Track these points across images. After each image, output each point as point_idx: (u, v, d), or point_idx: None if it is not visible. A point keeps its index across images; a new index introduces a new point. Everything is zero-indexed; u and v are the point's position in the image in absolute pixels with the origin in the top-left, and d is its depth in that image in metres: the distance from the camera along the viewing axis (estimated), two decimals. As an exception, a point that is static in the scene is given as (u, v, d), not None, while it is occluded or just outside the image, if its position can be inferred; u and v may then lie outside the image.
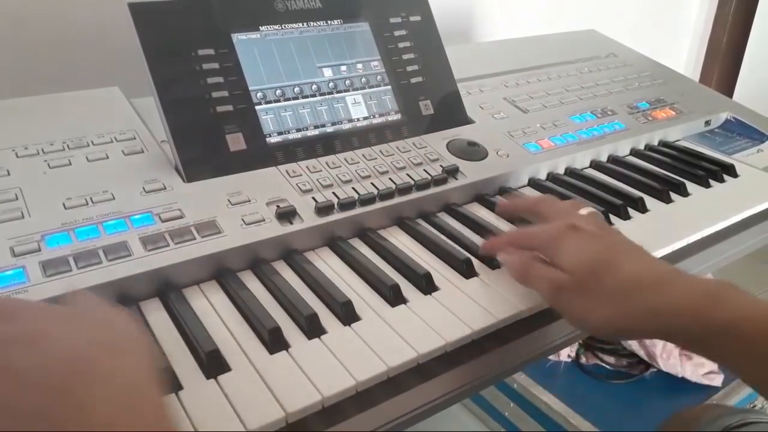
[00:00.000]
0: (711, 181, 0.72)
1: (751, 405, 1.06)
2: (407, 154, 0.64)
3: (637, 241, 0.58)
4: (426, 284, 0.50)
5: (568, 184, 0.69)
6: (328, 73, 0.65)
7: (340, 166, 0.61)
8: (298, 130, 0.62)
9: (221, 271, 0.50)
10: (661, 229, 0.62)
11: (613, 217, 0.63)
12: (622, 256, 0.45)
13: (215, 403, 0.38)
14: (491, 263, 0.54)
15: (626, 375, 1.08)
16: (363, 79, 0.67)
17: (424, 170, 0.63)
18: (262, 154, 0.59)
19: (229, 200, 0.54)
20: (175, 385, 0.39)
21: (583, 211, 0.51)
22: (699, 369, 1.05)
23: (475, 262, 0.54)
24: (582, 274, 0.44)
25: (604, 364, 1.10)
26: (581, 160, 0.74)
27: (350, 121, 0.65)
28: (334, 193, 0.58)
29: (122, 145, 0.58)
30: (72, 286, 0.42)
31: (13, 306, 0.30)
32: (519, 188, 0.68)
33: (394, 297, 0.49)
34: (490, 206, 0.64)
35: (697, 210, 0.67)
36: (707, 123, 0.88)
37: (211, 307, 0.47)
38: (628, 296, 0.43)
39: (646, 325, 0.43)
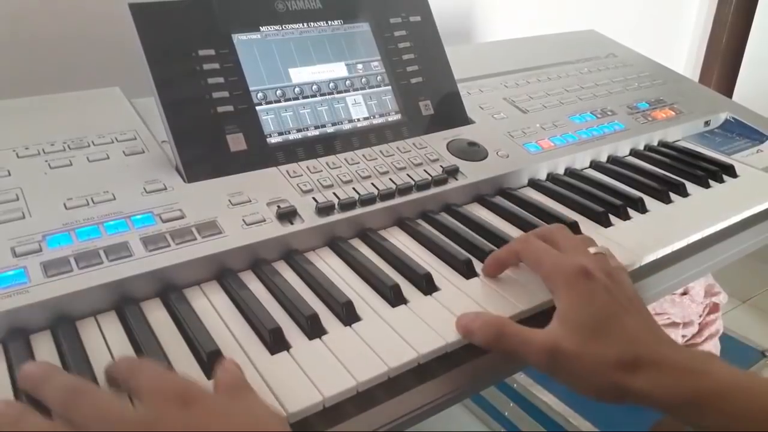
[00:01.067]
0: (710, 182, 0.72)
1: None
2: (407, 155, 0.64)
3: (637, 242, 0.59)
4: (426, 284, 0.50)
5: (567, 185, 0.69)
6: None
7: (340, 167, 0.61)
8: (299, 131, 0.62)
9: (222, 272, 0.50)
10: (660, 230, 0.62)
11: (613, 218, 0.63)
12: (623, 320, 0.43)
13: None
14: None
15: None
16: (363, 80, 0.67)
17: (425, 170, 0.63)
18: (262, 155, 0.59)
19: (229, 200, 0.54)
20: (176, 386, 0.39)
21: (593, 249, 0.49)
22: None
23: (475, 262, 0.54)
24: (580, 337, 0.42)
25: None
26: (581, 161, 0.74)
27: (350, 121, 0.65)
28: (334, 193, 0.58)
29: (123, 145, 0.58)
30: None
31: (194, 393, 0.35)
32: (519, 188, 0.68)
33: (394, 297, 0.49)
34: (490, 206, 0.64)
35: (697, 210, 0.67)
36: (707, 123, 0.88)
37: (212, 307, 0.47)
38: (627, 369, 0.41)
39: (645, 398, 0.41)
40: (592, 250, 0.49)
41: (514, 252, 0.50)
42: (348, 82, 0.66)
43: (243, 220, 0.52)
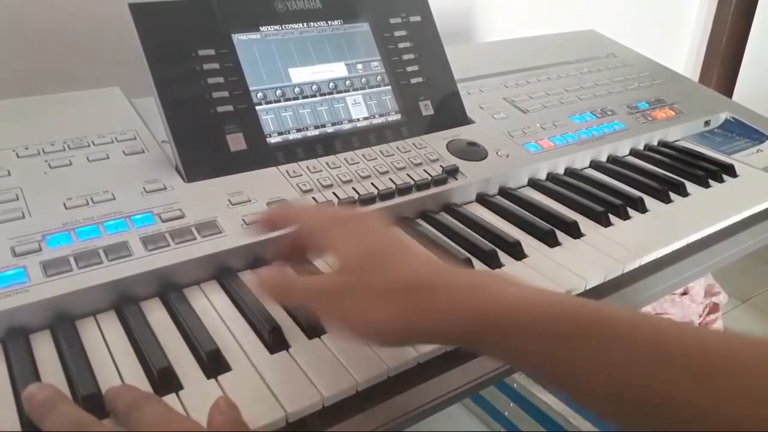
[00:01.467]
0: (710, 181, 0.72)
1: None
2: (407, 155, 0.64)
3: (637, 242, 0.59)
4: (426, 284, 0.50)
5: (567, 184, 0.69)
6: (328, 73, 0.65)
7: (340, 167, 0.61)
8: (299, 131, 0.62)
9: (222, 271, 0.50)
10: (660, 229, 0.62)
11: (612, 218, 0.63)
12: (394, 254, 0.39)
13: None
14: (491, 264, 0.54)
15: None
16: (363, 80, 0.67)
17: (424, 170, 0.63)
18: (262, 154, 0.59)
19: (229, 200, 0.54)
20: (176, 385, 0.39)
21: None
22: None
23: (476, 262, 0.54)
24: (355, 270, 0.38)
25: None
26: (581, 160, 0.74)
27: (350, 121, 0.65)
28: (334, 193, 0.58)
29: (123, 145, 0.58)
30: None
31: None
32: (519, 188, 0.68)
33: (394, 297, 0.49)
34: (490, 206, 0.64)
35: (697, 210, 0.67)
36: (707, 123, 0.88)
37: (212, 306, 0.47)
38: (405, 294, 0.36)
39: (424, 329, 0.37)
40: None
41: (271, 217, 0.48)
42: (348, 82, 0.66)
43: (243, 219, 0.52)
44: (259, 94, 0.61)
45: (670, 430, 0.30)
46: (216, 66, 0.59)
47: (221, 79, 0.59)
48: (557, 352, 0.33)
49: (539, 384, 0.35)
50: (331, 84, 0.65)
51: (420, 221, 0.60)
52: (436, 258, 0.43)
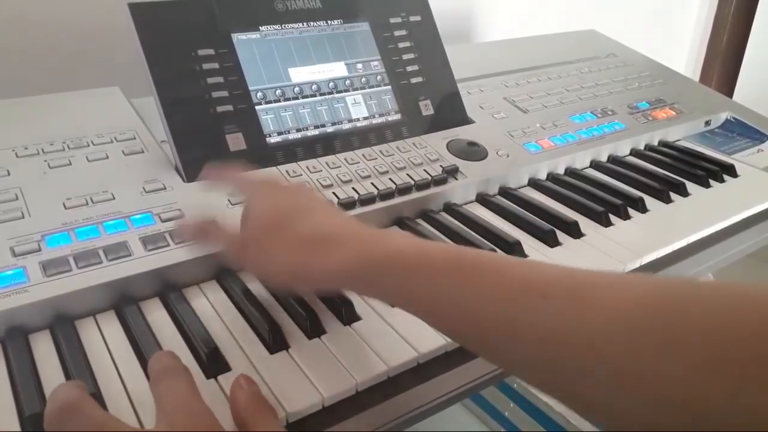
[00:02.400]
0: (711, 181, 0.72)
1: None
2: (407, 154, 0.64)
3: (637, 242, 0.59)
4: (426, 284, 0.50)
5: (568, 184, 0.69)
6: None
7: (340, 166, 0.61)
8: (298, 130, 0.62)
9: (221, 271, 0.50)
10: (661, 229, 0.62)
11: (613, 217, 0.63)
12: (309, 209, 0.43)
13: (215, 403, 0.38)
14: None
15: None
16: (363, 79, 0.67)
17: (424, 170, 0.63)
18: (262, 154, 0.59)
19: (229, 200, 0.54)
20: (176, 385, 0.39)
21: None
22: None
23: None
24: (267, 223, 0.43)
25: (604, 364, 1.10)
26: (581, 160, 0.74)
27: (350, 121, 0.65)
28: (334, 193, 0.58)
29: (122, 145, 0.58)
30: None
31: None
32: (519, 188, 0.68)
33: (394, 297, 0.49)
34: (491, 206, 0.64)
35: (697, 210, 0.67)
36: (707, 123, 0.88)
37: (212, 307, 0.47)
38: (310, 246, 0.40)
39: (327, 276, 0.40)
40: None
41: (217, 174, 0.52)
42: (348, 81, 0.66)
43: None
44: (259, 94, 0.61)
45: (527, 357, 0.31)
46: (216, 66, 0.59)
47: (221, 79, 0.59)
48: (430, 287, 0.35)
49: (420, 319, 0.37)
50: (331, 84, 0.65)
51: (420, 221, 0.60)
52: (343, 214, 0.48)
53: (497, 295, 0.32)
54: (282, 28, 0.64)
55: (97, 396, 0.37)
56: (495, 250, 0.55)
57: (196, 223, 0.48)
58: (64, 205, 0.50)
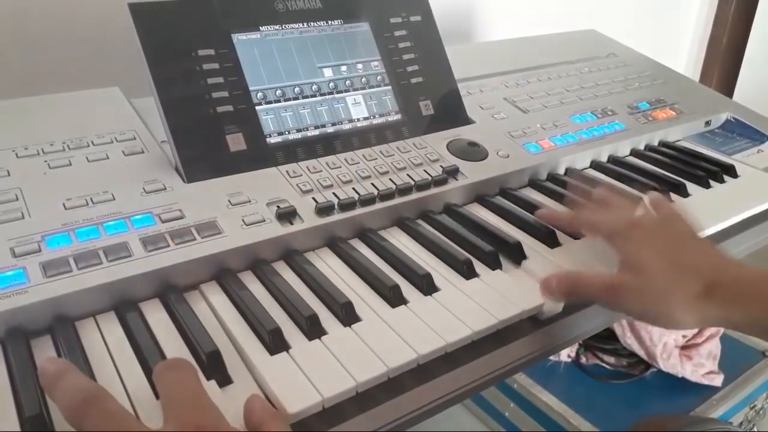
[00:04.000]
0: (711, 182, 0.72)
1: (752, 405, 1.06)
2: (407, 155, 0.64)
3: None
4: (426, 285, 0.50)
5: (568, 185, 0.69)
6: (328, 73, 0.65)
7: (340, 167, 0.61)
8: (299, 131, 0.62)
9: (222, 272, 0.50)
10: (661, 230, 0.62)
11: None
12: (682, 254, 0.48)
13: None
14: (491, 264, 0.54)
15: (626, 375, 1.08)
16: (363, 80, 0.67)
17: (425, 171, 0.63)
18: (262, 155, 0.59)
19: (229, 200, 0.54)
20: (176, 386, 0.39)
21: (640, 210, 0.54)
22: (699, 369, 1.04)
23: (476, 262, 0.54)
24: (648, 271, 0.47)
25: (604, 364, 1.10)
26: (581, 161, 0.74)
27: (350, 121, 0.65)
28: (334, 193, 0.58)
29: (122, 145, 0.58)
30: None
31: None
32: (519, 188, 0.68)
33: (394, 298, 0.49)
34: (490, 206, 0.64)
35: (697, 210, 0.66)
36: (707, 123, 0.88)
37: (212, 308, 0.47)
38: (700, 298, 0.45)
39: (720, 320, 0.46)
40: (640, 210, 0.54)
41: (572, 218, 0.57)
42: (348, 81, 0.66)
43: (242, 220, 0.52)
44: (259, 94, 0.61)
45: None
46: (216, 66, 0.59)
47: (221, 79, 0.59)
48: None
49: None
50: (331, 84, 0.65)
51: (420, 221, 0.60)
52: (717, 249, 0.51)
53: None
54: (282, 28, 0.64)
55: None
56: (495, 251, 0.55)
57: (566, 276, 0.50)
58: (64, 205, 0.50)
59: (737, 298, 0.45)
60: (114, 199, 0.51)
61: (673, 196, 0.68)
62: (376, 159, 0.63)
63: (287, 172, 0.59)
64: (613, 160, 0.77)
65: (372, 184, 0.60)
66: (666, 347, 1.06)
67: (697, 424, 0.57)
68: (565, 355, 1.12)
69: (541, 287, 0.50)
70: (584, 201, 0.59)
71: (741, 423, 1.05)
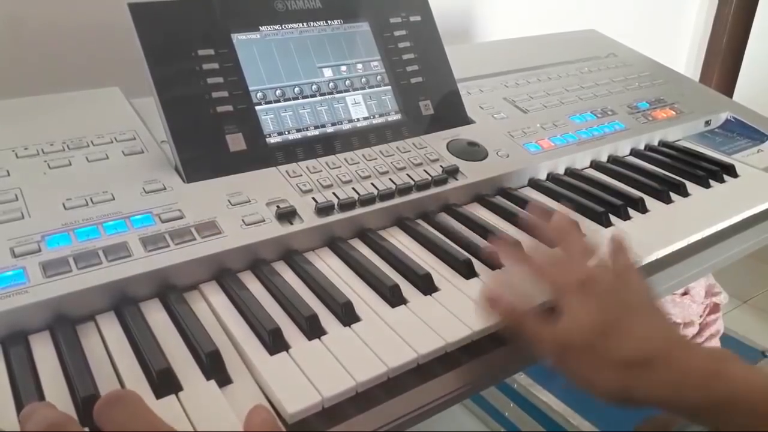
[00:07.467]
0: (711, 182, 0.72)
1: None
2: (407, 155, 0.64)
3: (638, 242, 0.58)
4: (426, 285, 0.50)
5: (568, 185, 0.69)
6: (328, 73, 0.65)
7: (340, 167, 0.61)
8: (298, 131, 0.62)
9: (221, 272, 0.50)
10: (661, 230, 0.62)
11: (613, 218, 0.63)
12: (631, 320, 0.43)
13: (215, 403, 0.38)
14: (491, 264, 0.54)
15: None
16: (363, 80, 0.67)
17: (424, 170, 0.63)
18: (262, 155, 0.59)
19: (229, 200, 0.54)
20: (175, 386, 0.39)
21: (593, 261, 0.48)
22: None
23: (475, 262, 0.54)
24: (588, 336, 0.43)
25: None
26: (581, 160, 0.74)
27: (350, 121, 0.65)
28: (334, 193, 0.58)
29: (122, 145, 0.58)
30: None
31: None
32: (519, 188, 0.68)
33: (394, 297, 0.49)
34: (490, 206, 0.64)
35: (697, 210, 0.67)
36: (707, 123, 0.88)
37: (212, 307, 0.47)
38: (635, 369, 0.41)
39: (653, 399, 0.41)
40: (592, 262, 0.48)
41: (521, 259, 0.50)
42: (348, 81, 0.66)
43: (242, 220, 0.52)
44: (259, 94, 0.61)
45: None
46: (215, 66, 0.59)
47: (221, 79, 0.59)
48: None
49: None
50: (331, 84, 0.65)
51: (420, 221, 0.60)
52: (670, 323, 0.46)
53: None
54: (282, 28, 0.64)
55: (96, 397, 0.37)
56: (495, 252, 0.55)
57: (509, 307, 0.46)
58: (63, 205, 0.50)
59: (682, 381, 0.40)
60: (114, 199, 0.51)
61: (673, 196, 0.68)
62: (376, 159, 0.63)
63: (287, 172, 0.59)
64: (613, 159, 0.77)
65: (372, 184, 0.60)
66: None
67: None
68: (565, 355, 1.11)
69: (487, 301, 0.46)
70: (541, 225, 0.54)
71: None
